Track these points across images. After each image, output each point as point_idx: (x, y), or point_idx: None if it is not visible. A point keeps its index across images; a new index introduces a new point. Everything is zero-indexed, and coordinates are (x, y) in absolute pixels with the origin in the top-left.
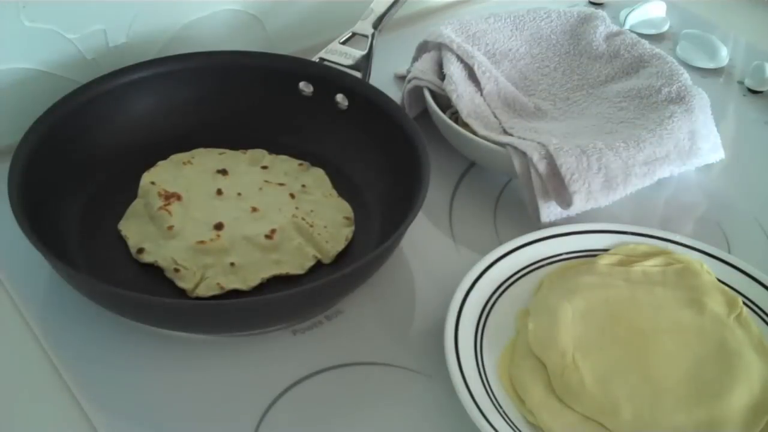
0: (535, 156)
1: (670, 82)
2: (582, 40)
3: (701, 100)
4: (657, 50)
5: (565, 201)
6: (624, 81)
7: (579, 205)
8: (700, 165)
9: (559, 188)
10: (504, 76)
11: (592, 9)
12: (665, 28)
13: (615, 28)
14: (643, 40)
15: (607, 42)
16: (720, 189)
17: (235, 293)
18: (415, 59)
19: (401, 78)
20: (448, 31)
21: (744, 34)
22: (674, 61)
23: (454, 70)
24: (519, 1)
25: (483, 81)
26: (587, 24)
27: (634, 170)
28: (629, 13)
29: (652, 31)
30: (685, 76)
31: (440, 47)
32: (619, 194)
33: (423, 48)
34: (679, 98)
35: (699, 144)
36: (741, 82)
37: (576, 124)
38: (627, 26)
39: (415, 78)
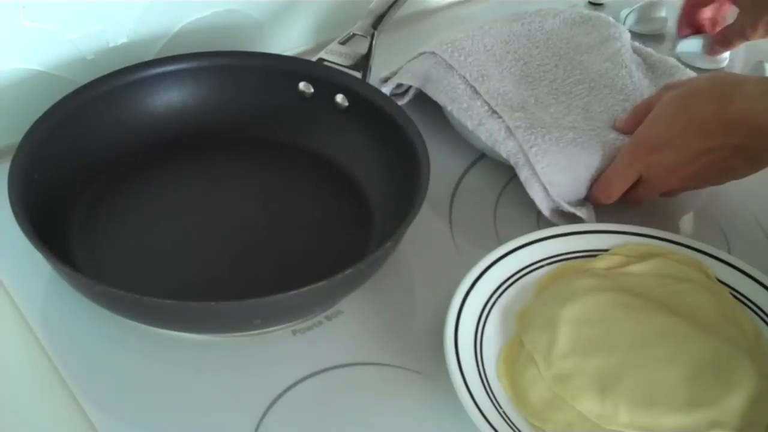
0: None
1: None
2: (581, 43)
3: None
4: (657, 55)
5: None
6: (625, 80)
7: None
8: None
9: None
10: (502, 73)
11: (591, 12)
12: (665, 28)
13: (619, 32)
14: (648, 49)
15: (607, 47)
16: (720, 189)
17: (234, 294)
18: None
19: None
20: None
21: None
22: (677, 62)
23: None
24: (519, 1)
25: (477, 85)
26: (586, 27)
27: None
28: (629, 13)
29: (652, 31)
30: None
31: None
32: None
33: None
34: None
35: None
36: None
37: (580, 119)
38: (627, 26)
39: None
